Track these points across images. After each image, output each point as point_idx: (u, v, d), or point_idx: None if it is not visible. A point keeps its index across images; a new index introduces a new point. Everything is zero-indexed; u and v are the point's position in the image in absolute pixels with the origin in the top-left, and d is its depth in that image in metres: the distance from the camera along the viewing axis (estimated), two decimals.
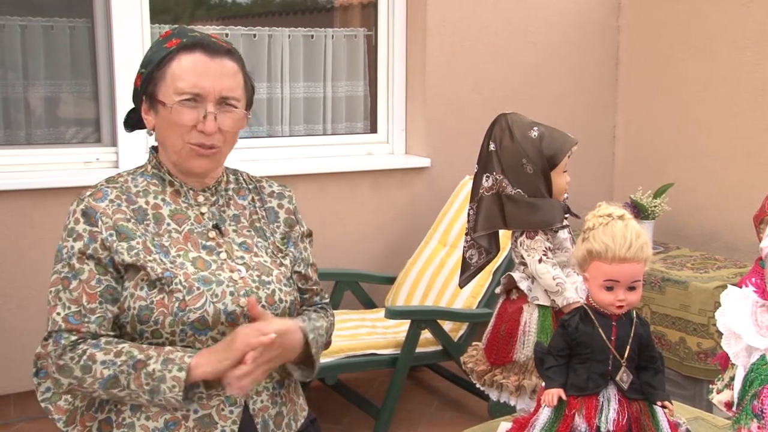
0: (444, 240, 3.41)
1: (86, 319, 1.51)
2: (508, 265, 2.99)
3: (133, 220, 1.55)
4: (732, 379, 1.55)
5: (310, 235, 1.77)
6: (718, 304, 1.51)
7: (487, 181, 1.68)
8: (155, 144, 1.66)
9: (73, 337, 1.50)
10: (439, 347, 3.02)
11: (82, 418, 1.58)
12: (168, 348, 1.49)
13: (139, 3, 3.22)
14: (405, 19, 3.76)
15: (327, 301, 1.80)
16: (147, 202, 1.59)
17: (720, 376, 1.65)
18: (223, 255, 1.59)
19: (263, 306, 1.56)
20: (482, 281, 3.08)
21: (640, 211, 3.49)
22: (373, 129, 3.88)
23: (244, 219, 1.67)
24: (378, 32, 3.80)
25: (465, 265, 1.77)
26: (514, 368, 1.63)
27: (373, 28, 3.84)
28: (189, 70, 1.54)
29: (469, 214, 1.73)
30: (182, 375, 1.44)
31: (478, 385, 1.69)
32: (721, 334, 1.46)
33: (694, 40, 3.75)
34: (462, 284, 1.81)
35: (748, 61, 3.53)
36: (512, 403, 1.63)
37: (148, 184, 1.61)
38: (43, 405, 1.62)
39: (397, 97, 3.81)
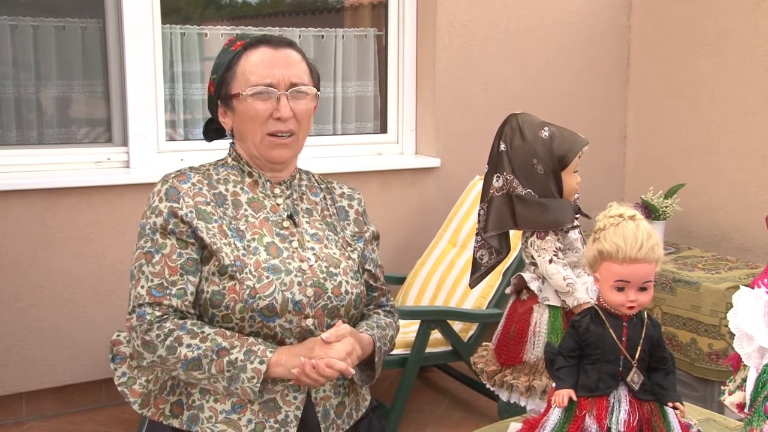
0: (454, 240, 3.41)
1: (168, 291, 1.56)
2: (519, 265, 2.98)
3: (212, 204, 1.63)
4: (744, 380, 1.54)
5: (378, 237, 1.84)
6: (729, 305, 1.50)
7: (497, 181, 1.68)
8: (232, 140, 1.74)
9: (158, 313, 1.55)
10: (449, 347, 3.02)
11: (156, 401, 1.64)
12: (251, 340, 1.55)
13: (150, 3, 3.23)
14: (415, 19, 3.76)
15: (393, 303, 1.87)
16: (227, 189, 1.67)
17: (732, 377, 1.64)
18: (295, 244, 1.65)
19: (329, 297, 1.62)
20: (492, 281, 3.08)
21: (651, 212, 3.48)
22: (383, 129, 3.88)
23: (317, 213, 1.74)
24: (388, 32, 3.80)
25: (475, 265, 1.77)
26: (525, 369, 1.62)
27: (383, 29, 3.84)
28: (258, 64, 1.63)
29: (479, 214, 1.73)
30: (263, 368, 1.51)
31: (488, 386, 1.68)
32: (732, 335, 1.45)
33: (705, 40, 3.74)
34: (472, 284, 1.81)
35: (760, 61, 3.51)
36: (522, 403, 1.63)
37: (228, 174, 1.69)
38: (119, 389, 1.70)
39: (407, 97, 3.81)
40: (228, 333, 1.56)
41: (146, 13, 3.23)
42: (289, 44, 1.68)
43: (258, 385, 1.51)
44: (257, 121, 1.63)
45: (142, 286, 1.58)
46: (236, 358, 1.51)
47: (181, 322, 1.56)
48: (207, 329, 1.56)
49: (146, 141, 3.29)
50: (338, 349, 1.55)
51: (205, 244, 1.58)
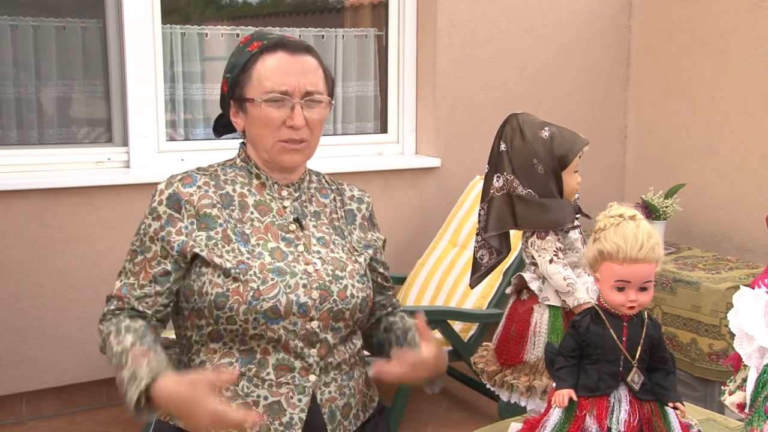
0: (454, 240, 3.41)
1: (134, 292, 1.60)
2: (519, 265, 2.98)
3: (218, 206, 1.62)
4: (744, 380, 1.54)
5: (385, 241, 1.84)
6: (730, 305, 1.50)
7: (497, 181, 1.68)
8: (243, 140, 1.73)
9: (112, 307, 1.61)
10: (449, 347, 3.02)
11: None
12: (143, 360, 1.48)
13: (150, 3, 3.23)
14: (415, 19, 3.76)
15: (399, 304, 1.89)
16: (234, 190, 1.66)
17: (732, 377, 1.64)
18: (301, 248, 1.65)
19: (334, 300, 1.61)
20: (492, 281, 3.08)
21: (651, 212, 3.48)
22: (384, 129, 3.88)
23: (324, 216, 1.73)
24: (388, 32, 3.80)
25: (476, 265, 1.77)
26: (525, 369, 1.62)
27: (383, 29, 3.84)
28: (274, 69, 1.61)
29: (479, 214, 1.73)
30: (134, 396, 1.44)
31: (488, 386, 1.68)
32: (733, 336, 1.45)
33: (705, 40, 3.74)
34: (473, 284, 1.81)
35: (760, 61, 3.51)
36: (522, 403, 1.63)
37: (236, 175, 1.69)
38: None
39: (407, 97, 3.81)
40: (138, 345, 1.52)
41: (146, 13, 3.23)
42: (307, 50, 1.66)
43: (133, 410, 1.45)
44: (270, 127, 1.62)
45: (120, 280, 1.63)
46: (123, 378, 1.48)
47: (122, 322, 1.57)
48: (128, 336, 1.53)
49: (146, 141, 3.29)
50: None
51: (196, 256, 1.58)
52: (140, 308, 1.60)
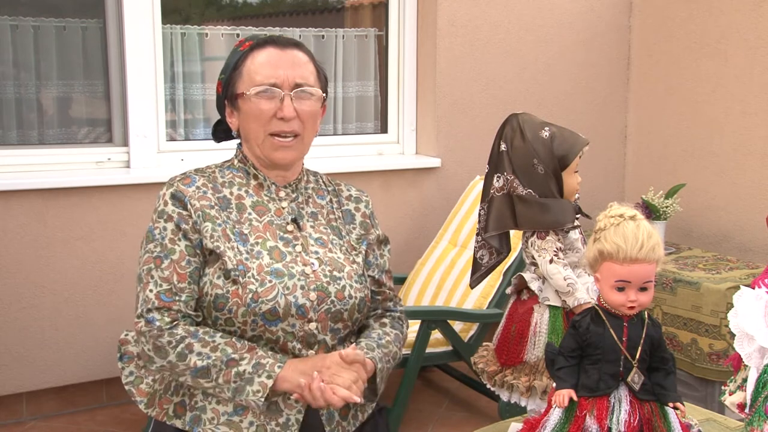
0: (454, 240, 3.41)
1: (177, 297, 1.57)
2: (519, 265, 2.98)
3: (216, 207, 1.63)
4: (745, 380, 1.54)
5: (385, 241, 1.83)
6: (730, 305, 1.50)
7: (497, 181, 1.68)
8: (240, 141, 1.74)
9: (167, 318, 1.56)
10: (450, 347, 3.02)
11: (160, 401, 1.65)
12: (261, 352, 1.54)
13: (150, 3, 3.23)
14: (416, 19, 3.76)
15: (402, 308, 1.86)
16: (231, 193, 1.67)
17: (732, 377, 1.64)
18: (299, 248, 1.65)
19: (332, 301, 1.62)
20: (493, 281, 3.08)
21: (651, 212, 3.48)
22: (384, 129, 3.88)
23: (322, 217, 1.73)
24: (389, 32, 3.80)
25: (476, 265, 1.77)
26: (525, 369, 1.62)
27: (383, 28, 3.84)
28: (263, 64, 1.63)
29: (480, 214, 1.73)
30: (269, 383, 1.50)
31: (488, 386, 1.69)
32: (733, 336, 1.45)
33: (706, 40, 3.74)
34: (473, 284, 1.81)
35: (760, 61, 3.51)
36: (523, 403, 1.63)
37: (234, 177, 1.69)
38: (126, 388, 1.70)
39: (407, 97, 3.81)
40: (238, 344, 1.56)
41: (146, 13, 3.23)
42: (296, 45, 1.68)
43: (263, 398, 1.50)
44: (260, 120, 1.62)
45: (151, 290, 1.58)
46: (244, 370, 1.51)
47: (192, 329, 1.56)
48: (218, 338, 1.56)
49: (147, 141, 3.29)
50: (345, 377, 1.54)
51: (210, 249, 1.59)
52: (191, 312, 1.58)
